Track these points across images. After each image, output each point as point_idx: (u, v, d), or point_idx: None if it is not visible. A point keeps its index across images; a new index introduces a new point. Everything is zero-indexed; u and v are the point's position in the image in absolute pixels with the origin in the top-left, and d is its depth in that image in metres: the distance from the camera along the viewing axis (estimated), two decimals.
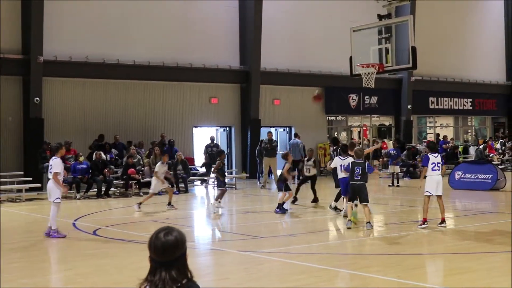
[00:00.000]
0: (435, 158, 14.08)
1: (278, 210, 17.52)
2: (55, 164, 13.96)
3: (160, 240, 3.81)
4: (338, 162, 15.71)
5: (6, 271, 10.29)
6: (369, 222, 14.04)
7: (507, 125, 43.25)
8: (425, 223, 14.05)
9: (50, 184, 14.04)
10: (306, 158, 20.46)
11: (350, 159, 14.92)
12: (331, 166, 16.78)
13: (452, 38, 39.95)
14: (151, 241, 3.86)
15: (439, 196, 14.12)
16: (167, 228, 3.89)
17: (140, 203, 18.98)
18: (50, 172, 14.02)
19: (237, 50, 31.51)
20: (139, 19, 28.61)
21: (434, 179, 14.00)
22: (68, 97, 27.05)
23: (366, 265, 10.66)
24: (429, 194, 14.05)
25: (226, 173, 20.06)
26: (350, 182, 14.31)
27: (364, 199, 14.08)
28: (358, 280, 9.53)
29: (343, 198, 15.79)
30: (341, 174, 15.42)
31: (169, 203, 19.34)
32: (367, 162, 14.74)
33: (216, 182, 19.79)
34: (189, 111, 30.00)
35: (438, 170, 14.05)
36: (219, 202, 18.31)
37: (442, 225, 14.17)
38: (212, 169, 20.96)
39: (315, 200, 19.71)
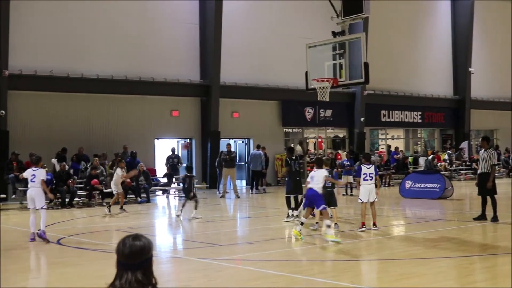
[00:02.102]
0: (367, 169, 15.60)
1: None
2: (41, 174, 14.87)
3: (128, 244, 3.93)
4: (363, 171, 15.66)
5: None
6: (336, 223, 15.57)
7: (454, 137, 44.63)
8: (364, 226, 15.52)
9: (34, 192, 14.77)
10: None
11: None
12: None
13: (402, 54, 41.12)
14: (119, 245, 3.96)
15: (371, 203, 15.57)
16: (135, 234, 4.02)
17: (109, 206, 19.99)
18: (33, 181, 14.77)
19: (197, 65, 32.22)
20: (103, 34, 29.15)
21: (366, 188, 15.60)
22: (33, 110, 27.39)
23: (321, 271, 10.98)
24: (362, 201, 15.63)
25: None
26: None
27: (334, 203, 15.98)
28: (314, 285, 9.74)
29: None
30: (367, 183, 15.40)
31: (121, 207, 20.47)
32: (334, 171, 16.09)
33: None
34: (151, 123, 30.58)
35: (370, 179, 15.56)
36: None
37: (374, 228, 15.54)
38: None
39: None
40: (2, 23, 25.87)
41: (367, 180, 15.59)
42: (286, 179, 18.58)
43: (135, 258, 3.92)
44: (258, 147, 30.86)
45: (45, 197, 15.05)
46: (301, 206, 16.69)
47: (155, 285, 3.96)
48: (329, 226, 13.57)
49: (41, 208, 14.91)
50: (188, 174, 19.97)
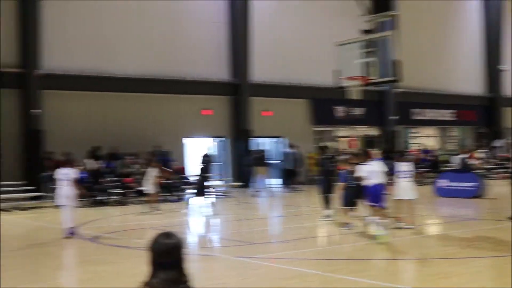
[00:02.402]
0: (404, 167, 15.71)
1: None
2: (72, 173, 15.51)
3: (162, 242, 3.95)
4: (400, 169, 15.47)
5: (7, 278, 10.41)
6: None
7: (488, 135, 44.19)
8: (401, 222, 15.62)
9: (64, 190, 15.31)
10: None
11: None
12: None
13: (433, 51, 40.83)
14: (152, 244, 3.97)
15: (408, 201, 15.71)
16: (167, 233, 4.03)
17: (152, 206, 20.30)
18: (65, 180, 15.32)
19: (227, 64, 32.34)
20: (134, 34, 29.39)
21: (402, 185, 15.67)
22: (68, 110, 27.69)
23: (355, 269, 10.87)
24: (399, 199, 15.79)
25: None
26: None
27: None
28: (348, 284, 9.67)
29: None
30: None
31: (153, 206, 20.64)
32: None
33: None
34: (182, 122, 30.74)
35: (407, 177, 15.70)
36: None
37: (407, 226, 15.42)
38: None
39: None
40: (34, 23, 26.22)
41: (404, 177, 15.50)
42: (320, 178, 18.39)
43: (169, 256, 3.94)
44: (291, 146, 30.84)
45: (75, 195, 15.51)
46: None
47: (188, 283, 3.97)
48: (379, 224, 13.28)
49: (70, 205, 15.37)
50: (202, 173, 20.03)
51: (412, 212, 15.80)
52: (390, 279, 10.10)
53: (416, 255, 12.19)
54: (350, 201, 15.47)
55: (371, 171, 13.78)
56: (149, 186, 21.63)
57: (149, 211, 20.93)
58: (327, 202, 17.78)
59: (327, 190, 17.73)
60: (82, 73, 27.74)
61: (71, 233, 15.12)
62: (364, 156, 14.72)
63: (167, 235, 4.01)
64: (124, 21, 29.17)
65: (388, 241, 13.13)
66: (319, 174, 18.41)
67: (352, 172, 15.27)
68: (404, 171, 15.77)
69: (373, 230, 13.35)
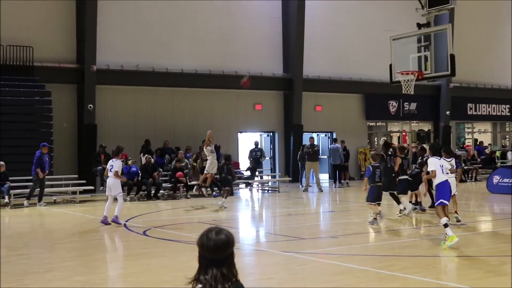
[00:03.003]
0: (447, 162, 15.47)
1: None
2: (116, 165, 16.28)
3: (212, 238, 3.89)
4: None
5: (60, 270, 10.61)
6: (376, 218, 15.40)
7: None
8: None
9: (111, 181, 16.26)
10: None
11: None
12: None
13: (489, 45, 40.11)
14: (202, 240, 3.93)
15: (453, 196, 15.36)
16: (217, 228, 3.99)
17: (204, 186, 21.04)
18: (111, 171, 16.23)
19: (280, 59, 32.37)
20: (187, 29, 29.62)
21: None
22: (120, 104, 28.18)
23: (405, 266, 10.67)
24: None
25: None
26: (371, 184, 15.43)
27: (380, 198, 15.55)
28: (398, 281, 9.55)
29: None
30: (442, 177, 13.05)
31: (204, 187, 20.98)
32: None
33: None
34: (234, 117, 30.93)
35: (450, 173, 15.60)
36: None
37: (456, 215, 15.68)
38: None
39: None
40: (90, 20, 26.69)
41: (447, 173, 15.33)
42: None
43: (220, 253, 3.90)
44: (335, 140, 30.77)
45: (121, 186, 16.46)
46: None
47: (237, 278, 3.95)
48: (447, 226, 12.47)
49: (117, 195, 16.23)
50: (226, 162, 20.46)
51: (457, 207, 15.91)
52: (440, 277, 9.98)
53: (467, 253, 11.96)
54: (377, 196, 15.44)
55: (445, 166, 13.04)
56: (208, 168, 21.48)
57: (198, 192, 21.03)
58: (395, 199, 17.50)
59: (387, 188, 17.22)
60: (136, 68, 28.09)
61: (113, 220, 16.00)
62: (435, 150, 13.60)
63: (218, 231, 3.96)
64: (178, 17, 29.41)
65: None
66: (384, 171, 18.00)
67: (377, 167, 15.32)
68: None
69: (448, 232, 12.36)
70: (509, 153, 37.16)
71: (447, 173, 15.51)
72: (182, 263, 10.84)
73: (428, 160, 13.05)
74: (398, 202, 17.33)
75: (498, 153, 37.35)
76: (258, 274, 10.44)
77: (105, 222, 16.05)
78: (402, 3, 32.48)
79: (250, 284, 9.24)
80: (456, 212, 15.88)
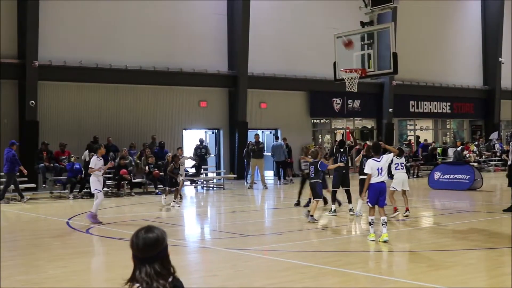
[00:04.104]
0: (399, 159, 16.37)
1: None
2: (91, 161, 16.35)
3: (142, 237, 3.93)
4: (395, 161, 15.24)
5: (2, 269, 10.38)
6: (312, 216, 15.52)
7: (484, 128, 44.30)
8: (397, 211, 16.28)
9: (90, 178, 16.50)
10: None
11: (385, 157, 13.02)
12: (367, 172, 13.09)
13: (432, 44, 40.87)
14: (132, 239, 3.99)
15: (403, 191, 16.62)
16: (148, 227, 4.02)
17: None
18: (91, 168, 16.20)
19: (225, 56, 32.32)
20: (131, 25, 29.34)
21: (399, 177, 16.50)
22: (63, 101, 27.70)
23: (348, 261, 10.85)
24: (395, 189, 16.46)
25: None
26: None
27: (316, 195, 15.62)
28: (342, 276, 9.69)
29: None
30: (376, 178, 12.72)
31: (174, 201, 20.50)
32: (320, 161, 15.79)
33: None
34: (179, 114, 30.77)
35: (402, 169, 16.57)
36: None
37: (406, 213, 16.36)
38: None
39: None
40: (32, 14, 26.15)
41: (399, 169, 16.00)
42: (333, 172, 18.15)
43: (150, 251, 3.93)
44: (277, 138, 30.96)
45: (97, 183, 16.12)
46: (359, 203, 16.52)
47: (174, 275, 3.96)
48: (386, 224, 12.62)
49: (94, 191, 16.12)
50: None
51: (408, 203, 16.47)
52: (383, 271, 10.12)
53: (410, 247, 12.18)
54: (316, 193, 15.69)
55: (380, 168, 12.67)
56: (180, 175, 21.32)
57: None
58: (332, 197, 17.66)
59: (338, 184, 17.55)
60: (79, 64, 27.66)
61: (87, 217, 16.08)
62: (376, 149, 13.31)
63: (148, 229, 3.99)
64: (122, 12, 29.11)
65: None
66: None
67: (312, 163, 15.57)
68: (399, 163, 16.30)
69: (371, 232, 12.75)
70: (450, 150, 37.91)
71: (402, 169, 16.18)
72: (126, 260, 10.56)
73: (367, 162, 13.10)
74: (350, 201, 17.45)
75: (439, 150, 38.06)
76: (203, 271, 10.46)
77: (91, 218, 15.97)
78: (346, 2, 32.84)
79: (195, 282, 9.34)
80: (407, 209, 16.37)
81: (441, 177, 25.54)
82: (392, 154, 13.49)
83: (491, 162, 38.20)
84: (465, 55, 43.12)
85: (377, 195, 12.54)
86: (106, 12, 28.70)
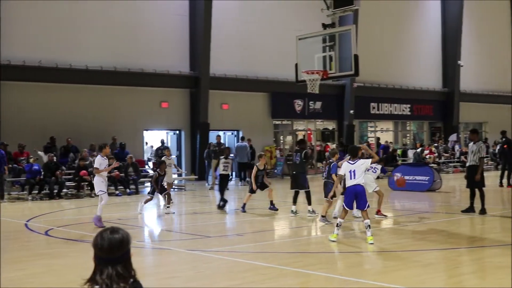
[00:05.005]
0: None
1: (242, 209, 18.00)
2: (95, 161, 15.74)
3: (107, 238, 3.87)
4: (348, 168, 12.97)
5: None
6: (323, 216, 15.57)
7: (443, 130, 44.87)
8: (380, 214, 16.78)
9: (94, 179, 15.92)
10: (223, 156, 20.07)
11: (360, 162, 12.82)
12: (340, 173, 13.28)
13: (392, 46, 41.27)
14: (97, 240, 3.91)
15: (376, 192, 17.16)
16: (112, 228, 3.97)
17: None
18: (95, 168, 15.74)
19: (187, 56, 32.24)
20: (92, 25, 29.08)
21: (369, 178, 16.58)
22: (23, 101, 27.29)
23: (309, 263, 10.87)
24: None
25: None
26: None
27: (326, 195, 15.76)
28: (302, 277, 9.77)
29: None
30: (350, 181, 12.67)
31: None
32: (334, 162, 15.97)
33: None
34: (140, 114, 30.57)
35: (374, 172, 17.07)
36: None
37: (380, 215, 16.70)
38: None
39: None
40: None
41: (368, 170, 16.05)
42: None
43: (115, 252, 3.87)
44: (242, 139, 30.96)
45: (101, 184, 15.60)
46: (337, 204, 16.30)
47: (135, 278, 3.91)
48: (369, 227, 12.56)
49: (98, 193, 15.75)
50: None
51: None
52: (343, 272, 10.16)
53: (370, 248, 12.25)
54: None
55: (353, 171, 12.55)
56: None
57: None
58: (293, 198, 17.70)
59: (293, 185, 17.65)
60: (39, 64, 27.30)
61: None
62: (353, 152, 13.18)
63: (113, 230, 3.93)
64: (82, 12, 28.83)
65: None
66: (292, 169, 18.24)
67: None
68: (373, 167, 16.68)
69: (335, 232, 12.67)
70: (409, 151, 38.31)
71: (374, 172, 16.35)
72: (86, 262, 10.44)
73: (342, 164, 13.09)
74: (310, 203, 17.47)
75: (399, 151, 38.45)
76: (163, 273, 10.38)
77: (96, 221, 15.36)
78: (308, 4, 32.97)
79: (155, 283, 9.31)
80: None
81: (401, 178, 25.71)
82: (370, 160, 13.40)
83: (450, 164, 38.71)
84: (425, 58, 43.63)
85: (353, 198, 12.53)
86: (66, 11, 28.39)
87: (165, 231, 16.20)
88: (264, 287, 9.16)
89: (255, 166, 18.61)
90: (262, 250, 12.39)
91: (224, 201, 19.25)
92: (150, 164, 30.37)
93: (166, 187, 19.20)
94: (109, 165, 16.36)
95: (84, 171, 24.44)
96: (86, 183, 24.51)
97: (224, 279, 9.79)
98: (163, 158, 21.54)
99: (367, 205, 12.57)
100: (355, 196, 12.55)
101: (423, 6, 44.10)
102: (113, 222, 15.75)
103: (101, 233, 3.92)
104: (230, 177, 20.63)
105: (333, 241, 12.60)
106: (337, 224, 12.72)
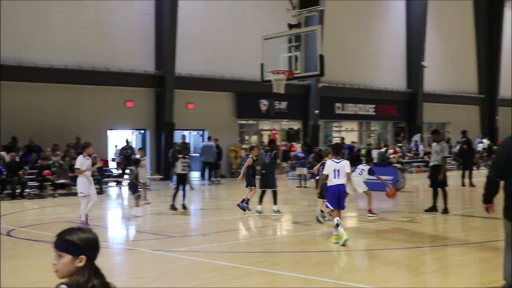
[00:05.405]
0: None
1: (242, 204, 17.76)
2: (77, 161, 15.46)
3: (93, 235, 3.72)
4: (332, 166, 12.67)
5: None
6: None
7: (407, 130, 45.29)
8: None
9: (77, 180, 15.63)
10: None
11: (346, 164, 12.68)
12: (324, 172, 13.11)
13: (357, 47, 41.51)
14: (97, 239, 3.75)
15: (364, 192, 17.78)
16: (79, 227, 3.81)
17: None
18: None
19: (153, 56, 32.08)
20: (56, 23, 28.74)
21: (356, 180, 17.05)
22: None
23: (274, 262, 10.99)
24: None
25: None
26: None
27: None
28: (267, 277, 9.81)
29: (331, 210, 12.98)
30: (334, 181, 12.54)
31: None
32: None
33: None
34: (104, 114, 30.31)
35: (360, 174, 17.55)
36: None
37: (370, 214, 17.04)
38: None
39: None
40: None
41: (356, 174, 16.92)
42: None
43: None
44: (209, 138, 30.89)
45: (83, 185, 15.32)
46: (322, 204, 15.82)
47: (102, 278, 3.74)
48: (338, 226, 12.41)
49: (79, 195, 15.59)
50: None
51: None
52: (307, 271, 10.17)
53: (334, 248, 12.32)
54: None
55: (337, 170, 12.47)
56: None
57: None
58: (260, 197, 17.69)
59: (262, 185, 17.64)
60: (1, 62, 26.88)
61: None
62: (336, 150, 13.08)
63: (82, 229, 3.77)
64: (46, 9, 28.47)
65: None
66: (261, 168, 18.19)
67: None
68: (362, 169, 17.33)
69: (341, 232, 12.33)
70: (374, 151, 38.56)
71: (360, 174, 16.43)
72: (49, 263, 10.43)
73: (326, 163, 13.06)
74: (275, 202, 17.49)
75: (363, 151, 38.68)
76: (127, 274, 10.38)
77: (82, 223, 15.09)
78: (274, 4, 33.01)
79: (119, 284, 9.03)
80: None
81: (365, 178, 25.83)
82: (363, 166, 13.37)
83: (414, 163, 39.09)
84: (389, 58, 44.00)
85: (336, 197, 12.46)
86: (30, 9, 28.01)
87: (130, 231, 16.13)
88: (229, 287, 9.18)
89: (250, 158, 18.24)
90: (227, 250, 12.40)
91: (173, 208, 19.06)
92: (114, 163, 30.19)
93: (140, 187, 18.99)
94: (93, 164, 16.20)
95: (47, 171, 24.19)
96: (49, 183, 24.24)
97: (188, 279, 9.77)
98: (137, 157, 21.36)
99: (344, 205, 12.71)
100: (338, 196, 12.48)
101: (388, 7, 44.46)
102: (76, 222, 15.48)
103: (93, 232, 3.74)
104: (189, 177, 20.41)
105: (336, 243, 12.31)
106: (337, 224, 12.29)
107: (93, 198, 15.41)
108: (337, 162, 12.51)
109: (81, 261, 3.63)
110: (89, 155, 15.79)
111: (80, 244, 3.65)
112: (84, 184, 15.34)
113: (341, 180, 12.41)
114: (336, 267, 10.92)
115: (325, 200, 13.85)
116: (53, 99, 28.69)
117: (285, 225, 16.06)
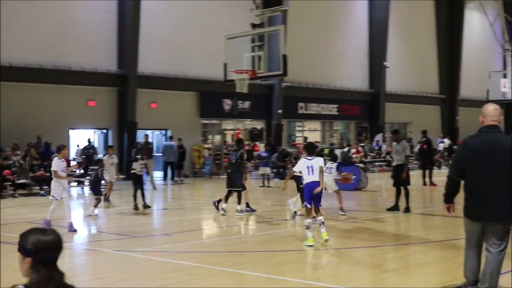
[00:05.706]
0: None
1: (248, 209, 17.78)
2: (53, 164, 15.08)
3: (55, 236, 3.68)
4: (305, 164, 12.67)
5: None
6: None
7: (369, 129, 45.64)
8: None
9: (51, 182, 15.32)
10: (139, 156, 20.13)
11: (319, 160, 12.76)
12: (294, 169, 13.56)
13: (320, 47, 41.69)
14: (60, 238, 3.71)
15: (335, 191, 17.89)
16: (43, 228, 3.76)
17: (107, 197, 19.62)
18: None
19: (115, 55, 31.81)
20: (17, 20, 28.30)
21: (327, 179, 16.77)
22: None
23: (237, 262, 11.01)
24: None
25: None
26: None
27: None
28: (230, 277, 9.86)
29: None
30: (308, 178, 12.56)
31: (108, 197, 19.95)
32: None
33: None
34: (66, 113, 29.95)
35: (329, 173, 17.26)
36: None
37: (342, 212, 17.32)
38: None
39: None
40: None
41: (326, 172, 16.24)
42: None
43: (44, 254, 3.64)
44: (171, 138, 30.80)
45: (56, 189, 15.02)
46: (298, 203, 16.16)
47: (63, 279, 3.69)
48: (323, 223, 12.52)
49: (50, 198, 15.30)
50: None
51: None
52: (271, 271, 10.20)
53: (297, 247, 12.37)
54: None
55: (311, 166, 12.50)
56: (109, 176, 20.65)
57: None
58: (225, 197, 17.70)
59: (228, 184, 17.69)
60: None
61: (69, 229, 14.93)
62: (309, 149, 13.17)
63: (43, 230, 3.69)
64: (6, 7, 27.96)
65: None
66: (228, 168, 18.19)
67: None
68: (330, 167, 17.32)
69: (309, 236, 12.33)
70: (337, 151, 38.79)
71: (330, 173, 16.49)
72: (11, 265, 10.25)
73: (299, 161, 13.12)
74: (239, 202, 17.50)
75: (326, 151, 38.85)
76: (89, 274, 10.33)
77: (69, 228, 14.83)
78: (238, 3, 32.96)
79: (80, 285, 9.01)
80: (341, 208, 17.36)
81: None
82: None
83: (376, 163, 39.42)
84: (352, 59, 44.28)
85: (311, 194, 12.42)
86: None
87: (92, 231, 16.03)
88: (192, 287, 9.15)
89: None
90: (190, 249, 12.36)
91: (136, 208, 18.99)
92: (74, 162, 29.84)
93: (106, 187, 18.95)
94: (68, 167, 16.02)
95: (7, 171, 23.86)
96: (9, 183, 23.91)
97: (151, 279, 9.73)
98: (105, 157, 21.29)
99: (320, 203, 12.60)
100: (313, 193, 12.44)
101: (351, 8, 44.72)
102: (37, 223, 15.35)
103: (57, 232, 3.70)
104: (145, 179, 20.36)
105: (311, 245, 12.16)
106: (307, 226, 12.29)
107: (65, 202, 15.17)
108: (310, 159, 12.57)
109: (29, 263, 3.63)
110: (64, 158, 15.59)
111: (26, 246, 3.65)
112: (57, 188, 15.08)
113: (315, 177, 12.42)
114: (300, 266, 10.93)
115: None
116: (13, 98, 28.24)
117: (249, 224, 16.06)
